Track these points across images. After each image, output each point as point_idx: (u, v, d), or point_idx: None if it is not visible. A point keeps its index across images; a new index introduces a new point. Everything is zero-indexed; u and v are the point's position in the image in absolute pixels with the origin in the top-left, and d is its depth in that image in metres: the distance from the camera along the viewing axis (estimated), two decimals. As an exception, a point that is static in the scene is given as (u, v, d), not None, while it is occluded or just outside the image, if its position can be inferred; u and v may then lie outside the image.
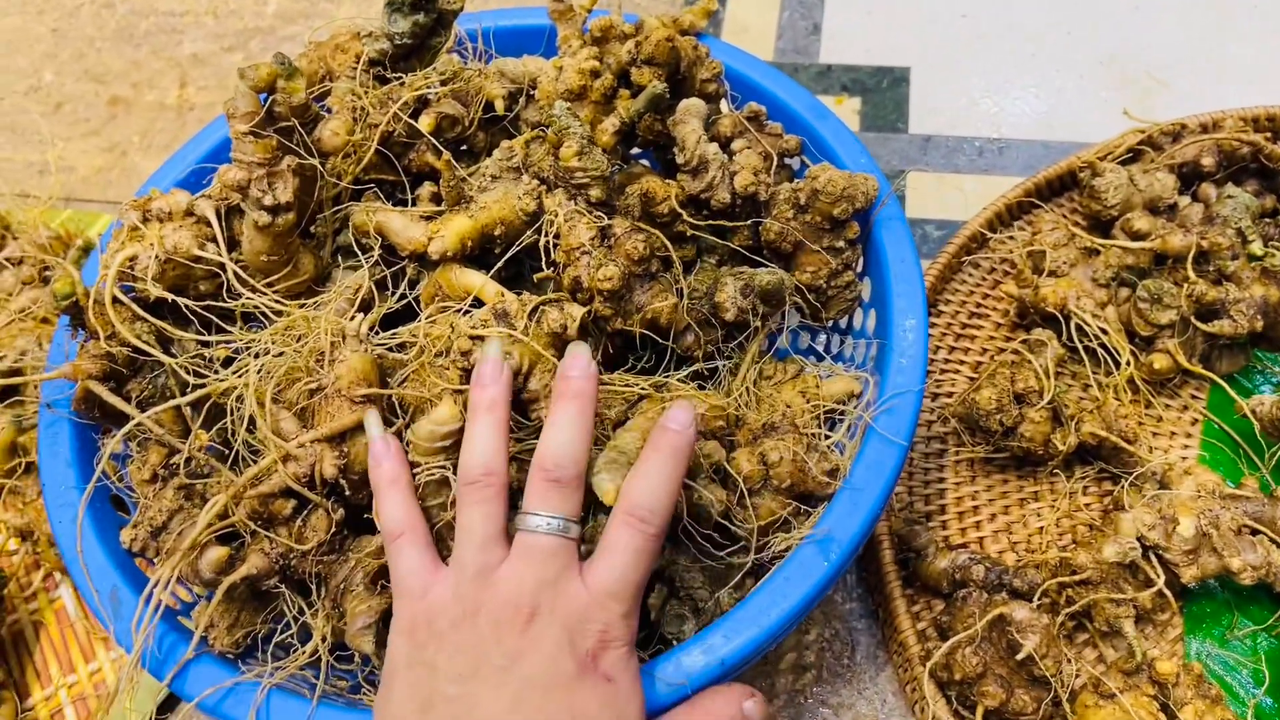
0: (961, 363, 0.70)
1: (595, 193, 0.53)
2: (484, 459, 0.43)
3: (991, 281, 0.73)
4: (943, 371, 0.70)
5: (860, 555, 0.63)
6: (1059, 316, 0.64)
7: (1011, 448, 0.62)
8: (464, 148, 0.60)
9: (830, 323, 0.59)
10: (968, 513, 0.64)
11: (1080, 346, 0.64)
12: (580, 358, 0.44)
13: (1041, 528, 0.63)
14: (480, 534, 0.42)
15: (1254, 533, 0.57)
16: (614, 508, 0.42)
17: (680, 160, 0.55)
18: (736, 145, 0.57)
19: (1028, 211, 0.75)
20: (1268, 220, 0.68)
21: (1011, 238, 0.71)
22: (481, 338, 0.47)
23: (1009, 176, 0.80)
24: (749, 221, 0.56)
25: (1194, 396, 0.66)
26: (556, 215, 0.51)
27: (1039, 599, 0.55)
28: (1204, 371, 0.63)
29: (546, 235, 0.52)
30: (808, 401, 0.55)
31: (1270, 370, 0.66)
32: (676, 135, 0.55)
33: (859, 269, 0.57)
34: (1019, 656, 0.52)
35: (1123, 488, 0.60)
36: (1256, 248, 0.63)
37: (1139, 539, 0.55)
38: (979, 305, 0.72)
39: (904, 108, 0.85)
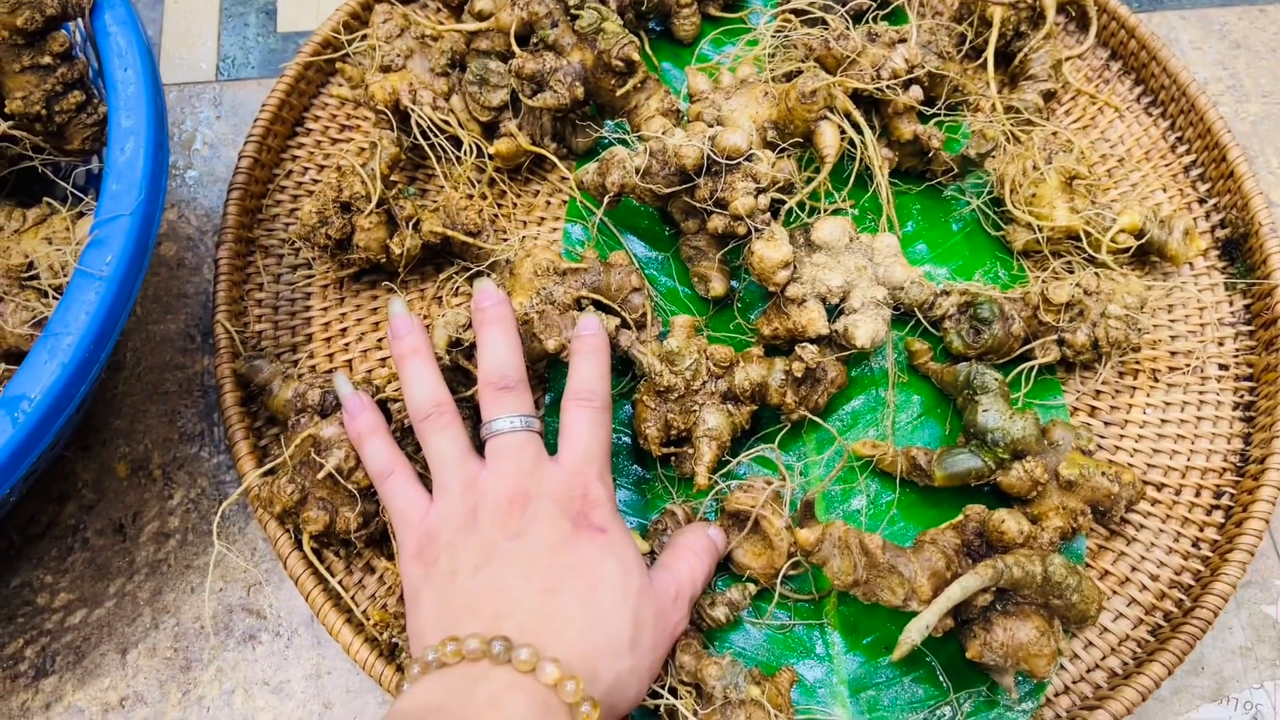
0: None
1: None
2: (428, 393, 0.48)
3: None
4: (309, 193, 0.65)
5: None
6: (397, 113, 0.60)
7: (356, 260, 0.58)
8: None
9: (88, 155, 0.52)
10: (335, 337, 0.60)
11: (425, 143, 0.60)
12: (487, 288, 0.51)
13: (411, 338, 0.60)
14: (452, 454, 0.47)
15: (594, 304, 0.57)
16: (563, 400, 0.49)
17: None
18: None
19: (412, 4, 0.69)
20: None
21: (365, 38, 0.65)
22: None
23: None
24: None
25: (564, 178, 0.65)
26: None
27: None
28: (543, 150, 0.61)
29: None
30: (55, 246, 0.48)
31: (625, 138, 0.65)
32: None
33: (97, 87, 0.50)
34: (320, 475, 0.49)
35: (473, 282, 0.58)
36: (587, 16, 0.61)
37: (457, 340, 0.53)
38: (349, 117, 0.67)
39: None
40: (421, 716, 0.38)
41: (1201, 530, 0.56)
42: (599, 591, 0.43)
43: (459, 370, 0.53)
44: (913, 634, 0.44)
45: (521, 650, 0.39)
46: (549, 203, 0.65)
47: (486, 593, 0.42)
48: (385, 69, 0.61)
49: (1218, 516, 0.56)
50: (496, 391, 0.48)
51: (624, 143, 0.62)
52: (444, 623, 0.42)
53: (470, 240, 0.58)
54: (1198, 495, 0.57)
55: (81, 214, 0.50)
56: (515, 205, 0.64)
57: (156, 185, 0.46)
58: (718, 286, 0.59)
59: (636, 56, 0.59)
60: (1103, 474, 0.52)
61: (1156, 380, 0.60)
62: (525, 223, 0.64)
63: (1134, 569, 0.55)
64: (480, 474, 0.46)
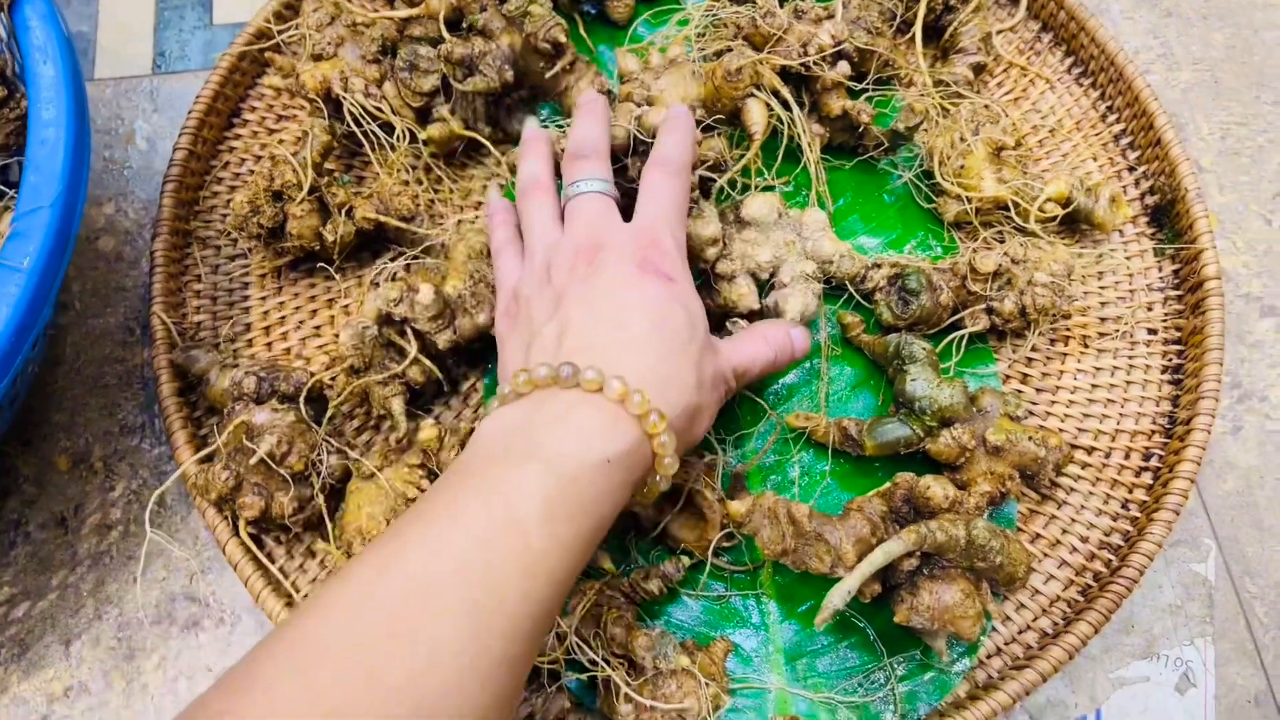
0: (268, 171, 0.65)
1: None
2: (532, 173, 0.53)
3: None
4: (245, 184, 0.65)
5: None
6: (330, 101, 0.61)
7: (290, 249, 0.59)
8: None
9: (12, 150, 0.52)
10: (274, 325, 0.61)
11: (358, 130, 0.60)
12: (589, 91, 0.58)
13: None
14: (540, 222, 0.51)
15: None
16: (643, 169, 0.52)
17: None
18: None
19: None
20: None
21: (298, 27, 0.65)
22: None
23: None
24: None
25: (499, 162, 0.65)
26: None
27: (307, 395, 0.53)
28: (477, 135, 0.62)
29: None
30: (-21, 242, 0.48)
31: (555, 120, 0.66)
32: None
33: (22, 83, 0.50)
34: (252, 461, 0.50)
35: (410, 268, 0.58)
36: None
37: (388, 315, 0.53)
38: (286, 107, 0.68)
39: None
40: (496, 437, 0.41)
41: (1130, 492, 0.57)
42: (665, 330, 0.45)
43: (391, 346, 0.54)
44: (834, 599, 0.45)
45: (588, 371, 0.41)
46: (484, 186, 0.65)
47: (556, 334, 0.44)
48: (317, 58, 0.61)
49: (1146, 478, 0.57)
50: (576, 160, 0.51)
51: (559, 126, 0.63)
52: (518, 365, 0.46)
53: (404, 226, 0.59)
54: (1127, 458, 0.58)
55: (8, 208, 0.50)
56: (452, 191, 0.64)
57: (77, 177, 0.46)
58: (651, 265, 0.59)
59: (563, 38, 0.59)
60: (1029, 439, 0.53)
61: (1087, 346, 0.61)
62: (462, 207, 0.64)
63: (1064, 531, 0.56)
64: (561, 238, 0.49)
